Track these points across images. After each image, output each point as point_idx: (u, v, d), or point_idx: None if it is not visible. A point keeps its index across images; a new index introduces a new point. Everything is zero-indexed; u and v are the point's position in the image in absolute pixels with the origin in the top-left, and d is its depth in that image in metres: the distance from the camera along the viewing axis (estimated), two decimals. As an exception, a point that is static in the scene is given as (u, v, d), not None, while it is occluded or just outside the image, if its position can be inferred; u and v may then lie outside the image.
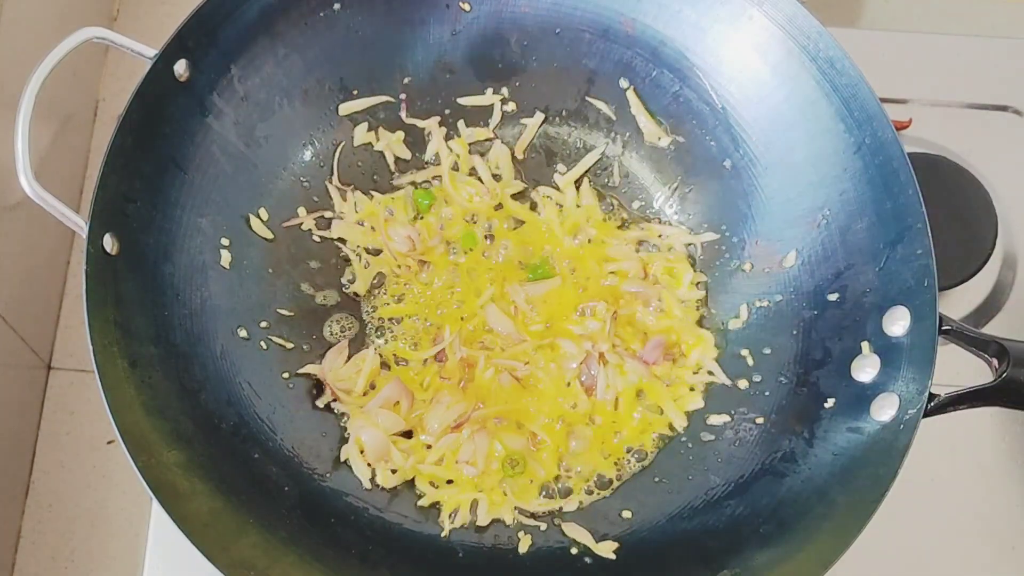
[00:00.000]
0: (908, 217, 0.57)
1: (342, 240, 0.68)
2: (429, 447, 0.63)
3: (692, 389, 0.65)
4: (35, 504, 0.68)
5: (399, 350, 0.66)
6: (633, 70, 0.69)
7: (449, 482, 0.62)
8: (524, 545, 0.60)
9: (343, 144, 0.69)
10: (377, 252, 0.68)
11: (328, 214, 0.68)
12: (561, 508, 0.62)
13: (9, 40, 0.64)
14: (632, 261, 0.68)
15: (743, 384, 0.64)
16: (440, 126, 0.71)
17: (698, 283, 0.68)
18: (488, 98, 0.71)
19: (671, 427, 0.64)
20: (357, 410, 0.63)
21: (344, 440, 0.63)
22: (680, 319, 0.67)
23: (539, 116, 0.71)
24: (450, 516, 0.61)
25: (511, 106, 0.71)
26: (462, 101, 0.71)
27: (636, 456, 0.64)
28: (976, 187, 0.71)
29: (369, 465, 0.62)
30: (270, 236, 0.66)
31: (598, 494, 0.62)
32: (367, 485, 0.62)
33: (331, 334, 0.66)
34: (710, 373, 0.65)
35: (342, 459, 0.62)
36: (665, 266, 0.68)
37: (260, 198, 0.66)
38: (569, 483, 0.63)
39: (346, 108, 0.69)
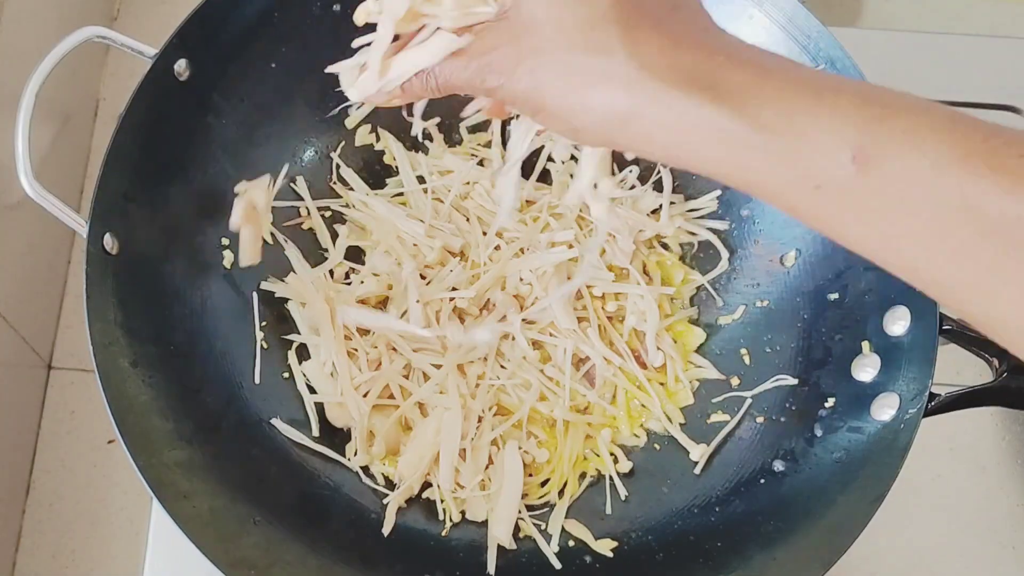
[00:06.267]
0: (908, 217, 0.57)
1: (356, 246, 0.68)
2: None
3: (687, 387, 0.65)
4: (36, 503, 0.68)
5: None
6: (633, 70, 0.69)
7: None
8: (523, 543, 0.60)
9: (343, 144, 0.69)
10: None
11: (328, 214, 0.68)
12: (559, 504, 0.61)
13: (9, 39, 0.64)
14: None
15: (740, 383, 0.64)
16: (440, 127, 0.71)
17: (692, 282, 0.68)
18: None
19: (668, 425, 0.64)
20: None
21: (345, 438, 0.63)
22: (675, 317, 0.67)
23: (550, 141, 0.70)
24: (449, 514, 0.61)
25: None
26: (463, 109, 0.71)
27: (634, 455, 0.64)
28: (976, 187, 0.71)
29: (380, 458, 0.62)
30: (271, 236, 0.66)
31: (597, 491, 0.62)
32: (381, 480, 0.62)
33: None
34: (701, 369, 0.65)
35: (348, 455, 0.62)
36: (662, 264, 0.68)
37: (260, 198, 0.66)
38: (568, 480, 0.63)
39: (352, 120, 0.69)
